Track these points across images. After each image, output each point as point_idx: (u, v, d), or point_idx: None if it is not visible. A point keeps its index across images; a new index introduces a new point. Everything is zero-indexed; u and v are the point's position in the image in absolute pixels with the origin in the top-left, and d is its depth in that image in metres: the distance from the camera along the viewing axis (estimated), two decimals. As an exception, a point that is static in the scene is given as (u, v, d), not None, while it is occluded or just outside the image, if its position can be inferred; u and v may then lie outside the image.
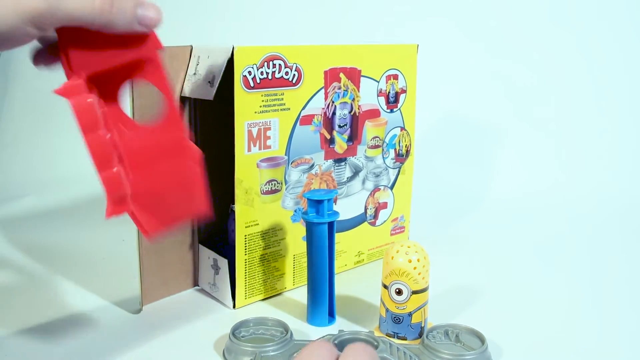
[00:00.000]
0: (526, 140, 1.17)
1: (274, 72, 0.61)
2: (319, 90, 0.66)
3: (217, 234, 0.71)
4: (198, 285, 0.70)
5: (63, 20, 0.37)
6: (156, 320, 0.62)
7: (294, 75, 0.63)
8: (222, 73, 0.58)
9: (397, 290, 0.55)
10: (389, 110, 0.75)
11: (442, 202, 1.04)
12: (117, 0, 0.39)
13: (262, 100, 0.61)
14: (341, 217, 0.69)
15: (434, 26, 1.22)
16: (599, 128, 1.16)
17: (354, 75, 0.70)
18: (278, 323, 0.56)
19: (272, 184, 0.64)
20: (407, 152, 0.79)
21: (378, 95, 0.73)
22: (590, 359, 0.54)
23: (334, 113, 0.69)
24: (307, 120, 0.66)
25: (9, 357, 0.55)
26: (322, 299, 0.60)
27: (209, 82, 0.60)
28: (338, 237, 0.71)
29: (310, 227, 0.59)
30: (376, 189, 0.76)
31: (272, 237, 0.66)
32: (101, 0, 0.38)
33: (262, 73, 0.60)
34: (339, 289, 0.66)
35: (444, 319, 0.58)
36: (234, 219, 0.63)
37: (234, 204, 0.62)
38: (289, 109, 0.64)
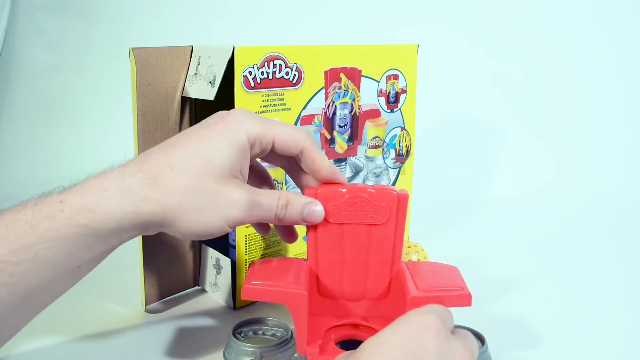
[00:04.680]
0: (526, 140, 1.17)
1: (274, 72, 0.61)
2: (319, 91, 0.66)
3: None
4: (198, 285, 0.70)
5: (255, 220, 0.45)
6: (157, 320, 0.62)
7: (295, 75, 0.63)
8: (222, 73, 0.59)
9: (398, 290, 0.55)
10: (389, 110, 0.75)
11: (442, 202, 1.04)
12: (292, 201, 0.46)
13: (263, 100, 0.61)
14: (341, 217, 0.69)
15: (434, 26, 1.22)
16: (598, 128, 1.16)
17: (354, 75, 0.70)
18: (278, 323, 0.56)
19: (272, 184, 0.64)
20: (407, 152, 0.79)
21: (378, 95, 0.73)
22: (590, 359, 0.55)
23: (334, 113, 0.69)
24: (307, 120, 0.66)
25: (10, 357, 0.55)
26: (322, 299, 0.61)
27: (210, 82, 0.60)
28: (338, 237, 0.71)
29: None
30: (376, 189, 0.76)
31: (273, 237, 0.66)
32: (282, 201, 0.45)
33: (262, 73, 0.60)
34: (340, 288, 0.66)
35: (444, 318, 0.57)
36: (235, 219, 0.63)
37: (234, 204, 0.62)
38: (290, 109, 0.64)
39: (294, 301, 0.44)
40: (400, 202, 0.46)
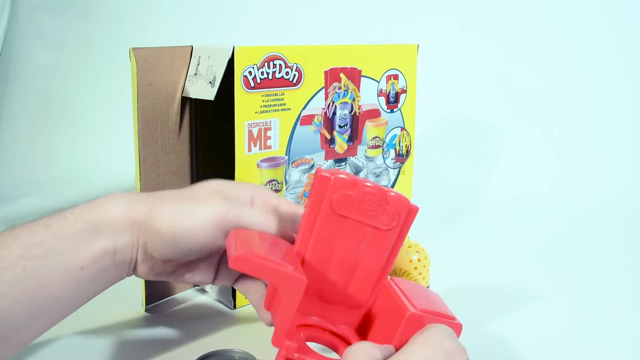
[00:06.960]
0: (526, 140, 1.17)
1: (274, 72, 0.61)
2: (319, 91, 0.66)
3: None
4: (198, 285, 0.70)
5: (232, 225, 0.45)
6: (157, 321, 0.62)
7: (295, 75, 0.63)
8: (222, 73, 0.59)
9: (398, 290, 0.55)
10: (389, 111, 0.75)
11: (442, 202, 1.04)
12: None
13: (263, 100, 0.61)
14: (341, 217, 0.69)
15: (434, 26, 1.22)
16: (598, 127, 1.16)
17: (354, 75, 0.70)
18: (245, 355, 0.53)
19: (272, 184, 0.64)
20: (407, 152, 0.79)
21: (378, 95, 0.73)
22: (592, 359, 0.55)
23: (334, 113, 0.69)
24: (307, 120, 0.66)
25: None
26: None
27: (210, 82, 0.60)
28: (338, 237, 0.71)
29: (310, 227, 0.59)
30: (376, 189, 0.76)
31: (273, 237, 0.66)
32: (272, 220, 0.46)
33: (262, 73, 0.60)
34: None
35: (444, 318, 0.57)
36: (235, 219, 0.63)
37: (234, 204, 0.62)
38: (290, 109, 0.64)
39: (290, 285, 0.39)
40: (409, 214, 0.43)
